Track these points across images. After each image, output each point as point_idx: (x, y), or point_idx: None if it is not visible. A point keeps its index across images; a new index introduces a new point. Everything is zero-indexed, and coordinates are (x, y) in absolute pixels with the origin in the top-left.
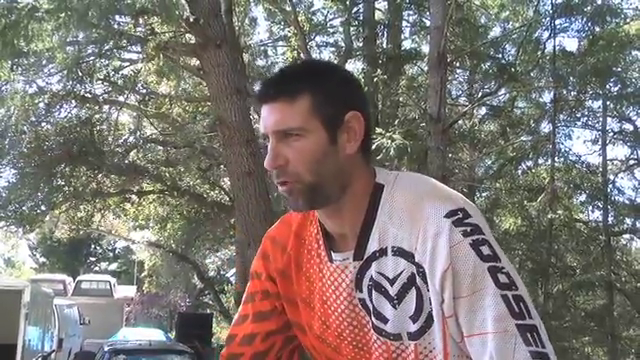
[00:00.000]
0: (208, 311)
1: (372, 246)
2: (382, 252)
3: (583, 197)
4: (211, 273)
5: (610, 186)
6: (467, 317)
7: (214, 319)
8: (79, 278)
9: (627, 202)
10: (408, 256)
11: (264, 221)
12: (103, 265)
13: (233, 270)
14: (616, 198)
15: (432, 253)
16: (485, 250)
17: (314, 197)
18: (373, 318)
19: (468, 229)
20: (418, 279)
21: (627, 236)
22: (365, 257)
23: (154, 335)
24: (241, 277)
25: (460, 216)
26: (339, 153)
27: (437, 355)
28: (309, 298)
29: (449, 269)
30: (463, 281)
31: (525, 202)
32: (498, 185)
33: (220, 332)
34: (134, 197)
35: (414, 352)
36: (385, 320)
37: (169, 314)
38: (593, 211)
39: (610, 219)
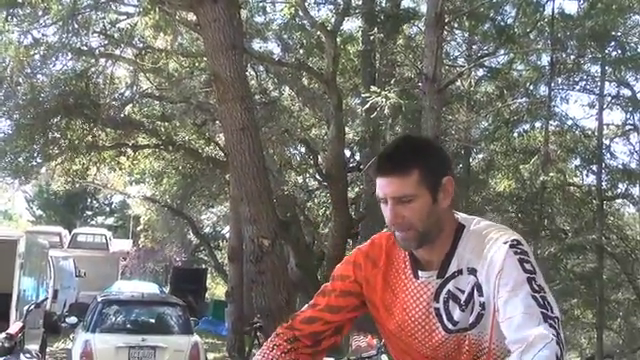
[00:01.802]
0: (203, 266)
1: (452, 268)
2: (459, 272)
3: (577, 161)
4: (206, 229)
5: (605, 151)
6: (503, 307)
7: (209, 274)
8: (75, 231)
9: (621, 167)
10: (474, 272)
11: (257, 177)
12: (99, 219)
13: (228, 227)
14: (610, 163)
15: (488, 267)
16: (527, 266)
17: (422, 241)
18: (446, 323)
19: (518, 251)
20: (475, 289)
21: (620, 201)
22: (446, 276)
23: (148, 288)
24: (235, 232)
25: (514, 243)
26: (438, 208)
27: (483, 338)
28: (389, 305)
29: (500, 274)
30: (508, 283)
31: (519, 165)
32: (493, 147)
33: (215, 287)
34: (129, 151)
35: (468, 338)
36: (455, 322)
37: (164, 269)
38: (587, 175)
39: (603, 184)
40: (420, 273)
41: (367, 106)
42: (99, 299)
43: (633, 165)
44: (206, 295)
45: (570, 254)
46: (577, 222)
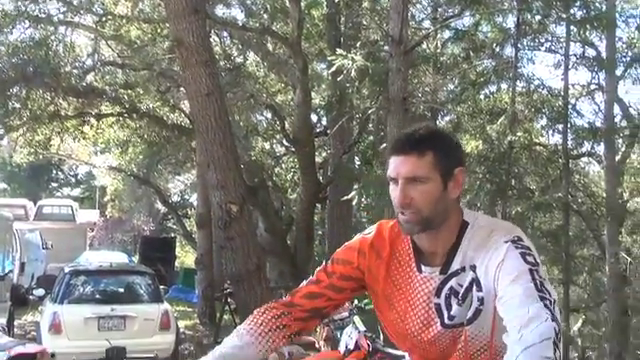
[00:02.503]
0: (172, 235)
1: (455, 265)
2: (462, 269)
3: (544, 121)
4: (174, 198)
5: (570, 110)
6: (503, 291)
7: (178, 243)
8: (40, 203)
9: (587, 126)
10: (474, 268)
11: (223, 142)
12: (65, 191)
13: (196, 195)
14: (576, 121)
15: (488, 261)
16: (530, 259)
17: (426, 226)
18: (446, 319)
19: (519, 246)
20: (474, 285)
21: (585, 159)
22: (449, 272)
23: (117, 258)
24: (203, 199)
25: (515, 239)
26: (447, 196)
27: (482, 335)
28: (391, 297)
29: (500, 265)
30: (510, 271)
31: (486, 126)
32: (460, 109)
33: (184, 256)
34: (93, 120)
35: (464, 334)
36: (453, 318)
37: (133, 239)
38: (553, 135)
39: (569, 143)
40: (423, 268)
41: (333, 69)
42: (66, 270)
43: (598, 124)
44: (176, 263)
45: (537, 212)
46: (544, 181)
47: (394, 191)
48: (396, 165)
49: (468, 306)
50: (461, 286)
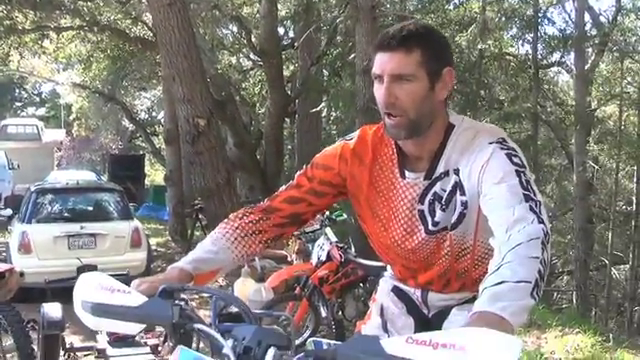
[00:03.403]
0: (140, 153)
1: (439, 169)
2: (445, 174)
3: (514, 31)
4: (141, 115)
5: (541, 18)
6: (487, 190)
7: (147, 161)
8: (4, 122)
9: (558, 34)
10: (457, 172)
11: (188, 54)
12: (30, 110)
13: (163, 112)
14: (547, 30)
15: (472, 164)
16: (515, 159)
17: (413, 129)
18: (430, 226)
19: (504, 146)
20: (457, 189)
21: (555, 69)
22: (433, 177)
23: (85, 177)
24: (170, 114)
25: (500, 140)
26: (434, 97)
27: (466, 237)
28: (374, 205)
29: (485, 166)
30: (496, 173)
31: (456, 36)
32: (429, 19)
33: (154, 174)
34: (52, 34)
35: (449, 238)
36: (437, 224)
37: (101, 157)
38: (523, 45)
39: (539, 52)
40: (407, 173)
41: None
42: (32, 189)
43: (568, 33)
44: (146, 181)
45: (507, 123)
46: (513, 91)
47: (379, 90)
48: (382, 62)
49: (452, 211)
50: (444, 191)
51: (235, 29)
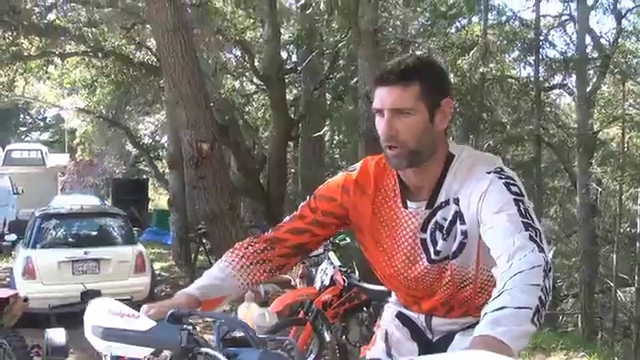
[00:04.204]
0: (144, 177)
1: (440, 198)
2: (446, 202)
3: (515, 54)
4: (145, 139)
5: (542, 41)
6: (486, 219)
7: (150, 185)
8: (9, 147)
9: (559, 57)
10: (457, 201)
11: (192, 79)
12: (34, 135)
13: (167, 136)
14: (548, 53)
15: (470, 194)
16: (514, 188)
17: (414, 160)
18: (432, 254)
19: (502, 175)
20: (458, 218)
21: (557, 91)
22: (435, 206)
23: (89, 201)
24: (173, 139)
25: (498, 170)
26: (434, 128)
27: (468, 267)
28: (378, 237)
29: (483, 196)
30: (495, 202)
31: (458, 59)
32: (431, 43)
33: (158, 198)
34: (57, 60)
35: (450, 268)
36: (439, 252)
37: (105, 182)
38: (525, 67)
39: (541, 75)
40: (409, 203)
41: (302, 2)
42: (37, 214)
43: (570, 55)
44: (149, 206)
45: (509, 145)
46: (516, 114)
47: (380, 123)
48: (381, 96)
49: (453, 239)
50: (445, 220)
51: (238, 53)
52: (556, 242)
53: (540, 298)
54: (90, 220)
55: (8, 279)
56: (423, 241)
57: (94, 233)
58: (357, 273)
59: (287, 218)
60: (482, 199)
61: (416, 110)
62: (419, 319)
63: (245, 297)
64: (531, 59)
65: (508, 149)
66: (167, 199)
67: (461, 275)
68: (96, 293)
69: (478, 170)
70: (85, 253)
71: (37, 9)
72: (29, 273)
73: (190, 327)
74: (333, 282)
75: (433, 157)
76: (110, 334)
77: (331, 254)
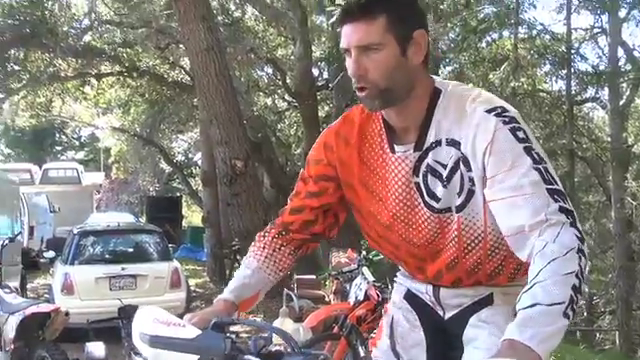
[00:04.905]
0: (177, 194)
1: (430, 138)
2: (437, 143)
3: (547, 67)
4: (178, 157)
5: (574, 54)
6: (503, 184)
7: (184, 202)
8: (46, 166)
9: (591, 70)
10: (457, 144)
11: (225, 98)
12: (70, 154)
13: (200, 153)
14: (580, 66)
15: (473, 139)
16: (521, 134)
17: (387, 99)
18: (427, 198)
19: (506, 119)
20: (461, 164)
21: (589, 104)
22: (424, 148)
23: (124, 218)
24: (207, 156)
25: (499, 111)
26: (407, 63)
27: (476, 222)
28: (368, 183)
29: (488, 148)
30: (504, 158)
31: (489, 73)
32: (462, 58)
33: (191, 215)
34: (93, 80)
35: (457, 222)
36: (437, 199)
37: (139, 199)
38: (557, 81)
39: (573, 88)
40: (396, 147)
41: (333, 20)
42: (75, 231)
43: (602, 68)
44: (183, 223)
45: None
46: (548, 127)
47: (348, 64)
48: (346, 34)
49: (457, 188)
50: (440, 164)
51: (270, 71)
52: (592, 258)
53: (574, 286)
54: (127, 237)
55: (47, 295)
56: (417, 185)
57: (131, 250)
58: (391, 288)
59: (291, 194)
60: (488, 151)
61: (384, 44)
62: (427, 294)
63: (280, 312)
64: (563, 72)
65: None
66: (201, 216)
67: (469, 232)
68: (133, 309)
69: (474, 107)
70: (122, 269)
71: (73, 31)
72: (67, 289)
73: (234, 335)
74: (367, 297)
75: (412, 94)
76: (157, 341)
77: (365, 269)
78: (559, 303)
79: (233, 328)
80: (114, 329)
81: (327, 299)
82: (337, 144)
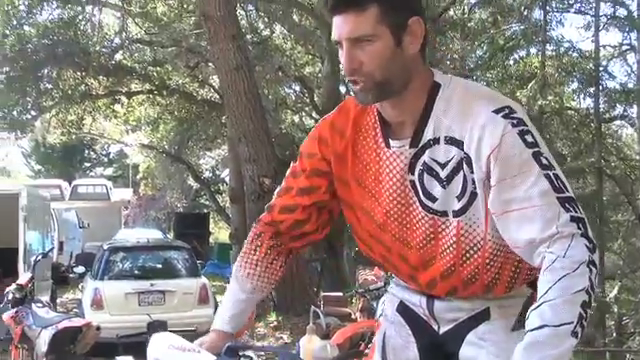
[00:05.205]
0: (205, 211)
1: (427, 135)
2: (435, 141)
3: (575, 85)
4: (206, 173)
5: (602, 72)
6: (510, 194)
7: (211, 218)
8: (75, 182)
9: (619, 88)
10: (459, 144)
11: (254, 116)
12: (98, 170)
13: (227, 170)
14: (608, 84)
15: (479, 141)
16: (529, 138)
17: (382, 92)
18: (422, 197)
19: (514, 121)
20: (464, 164)
21: (618, 122)
22: (420, 145)
23: (152, 235)
24: (235, 173)
25: (507, 112)
26: (403, 53)
27: (477, 228)
28: (361, 179)
29: (494, 153)
30: (512, 164)
31: (516, 91)
32: (490, 75)
33: (218, 232)
34: (123, 98)
35: (456, 227)
36: (434, 199)
37: (166, 216)
38: (584, 99)
39: (601, 106)
40: (392, 142)
41: None
42: (105, 247)
43: (630, 85)
44: (210, 239)
45: (570, 178)
46: (576, 146)
47: (341, 56)
48: (336, 25)
49: (458, 190)
50: (437, 163)
51: (297, 88)
52: (621, 278)
53: (584, 302)
54: (156, 253)
55: (76, 310)
56: (412, 183)
57: (159, 265)
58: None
59: (278, 188)
60: (494, 157)
61: (377, 35)
62: (420, 307)
63: (307, 330)
64: (591, 90)
65: (569, 182)
66: (229, 233)
67: (469, 238)
68: (162, 324)
69: (479, 106)
70: (151, 285)
71: (105, 50)
72: (97, 304)
73: (248, 359)
74: None
75: (410, 87)
76: None
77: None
78: (568, 323)
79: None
80: (143, 344)
81: (354, 316)
82: (332, 137)
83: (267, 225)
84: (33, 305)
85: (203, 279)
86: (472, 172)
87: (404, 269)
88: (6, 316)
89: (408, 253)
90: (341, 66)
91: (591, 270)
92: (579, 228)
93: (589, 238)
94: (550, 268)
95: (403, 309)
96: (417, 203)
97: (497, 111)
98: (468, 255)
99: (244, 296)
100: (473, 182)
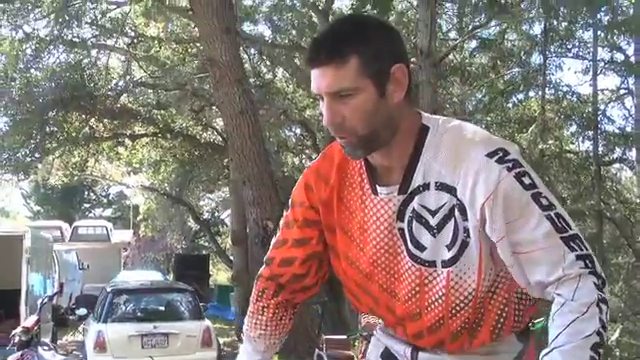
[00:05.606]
0: (204, 253)
1: (417, 181)
2: (425, 187)
3: (573, 128)
4: (206, 215)
5: (600, 116)
6: (510, 240)
7: (210, 260)
8: (76, 224)
9: (617, 131)
10: (451, 190)
11: (258, 159)
12: (98, 211)
13: (228, 211)
14: (606, 127)
15: (472, 188)
16: (526, 180)
17: (370, 146)
18: (410, 246)
19: (510, 164)
20: (456, 211)
21: (617, 165)
22: (409, 191)
23: (153, 277)
24: (237, 216)
25: (501, 155)
26: (388, 103)
27: (468, 279)
28: (347, 227)
29: (491, 199)
30: (511, 208)
31: (516, 135)
32: (489, 118)
33: (217, 273)
34: (127, 141)
35: (446, 278)
36: (422, 248)
37: (166, 257)
38: (583, 142)
39: (600, 149)
40: (379, 189)
41: None
42: (108, 289)
43: (629, 129)
44: (209, 281)
45: None
46: (576, 189)
47: (322, 109)
48: (315, 78)
49: (448, 239)
50: (427, 210)
51: (298, 131)
52: (622, 321)
53: (595, 344)
54: (159, 295)
55: (76, 352)
56: (401, 231)
57: (163, 308)
58: None
59: (274, 239)
60: (490, 204)
61: (360, 88)
62: (404, 356)
63: None
64: (589, 133)
65: None
66: (230, 274)
67: (459, 291)
68: None
69: (472, 150)
70: (154, 327)
71: (111, 93)
72: (100, 346)
73: None
74: None
75: (397, 135)
76: None
77: None
78: None
79: None
80: None
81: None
82: (317, 184)
83: (268, 280)
84: (39, 348)
85: (207, 322)
86: (465, 220)
87: (391, 320)
88: (12, 359)
89: (395, 305)
90: (323, 121)
91: (601, 309)
92: (586, 266)
93: (597, 274)
94: (559, 312)
95: (387, 356)
96: (404, 252)
97: (490, 155)
98: (458, 308)
99: (259, 357)
100: (465, 230)
